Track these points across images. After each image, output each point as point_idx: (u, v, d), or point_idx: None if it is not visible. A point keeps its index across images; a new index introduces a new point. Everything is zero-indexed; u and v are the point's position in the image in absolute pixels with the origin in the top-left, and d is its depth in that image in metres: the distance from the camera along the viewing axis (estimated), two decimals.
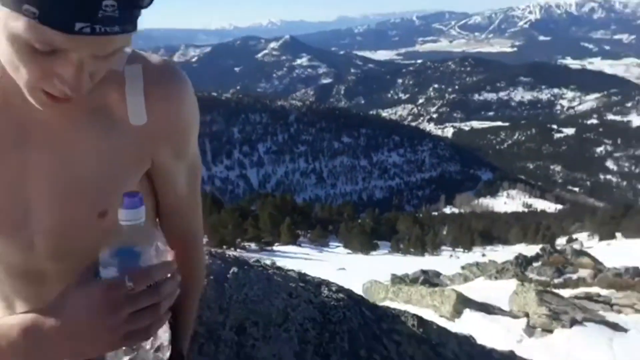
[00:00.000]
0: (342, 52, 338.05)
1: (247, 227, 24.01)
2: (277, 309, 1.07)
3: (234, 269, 1.12)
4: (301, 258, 19.30)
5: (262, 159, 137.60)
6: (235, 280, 1.09)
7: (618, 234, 28.97)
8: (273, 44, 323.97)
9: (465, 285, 7.28)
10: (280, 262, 16.85)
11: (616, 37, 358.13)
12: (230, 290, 1.06)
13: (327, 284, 1.31)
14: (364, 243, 23.89)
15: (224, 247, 20.09)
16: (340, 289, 1.39)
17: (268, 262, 11.01)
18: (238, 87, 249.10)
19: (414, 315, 1.25)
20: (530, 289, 4.64)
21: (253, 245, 22.04)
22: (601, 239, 28.80)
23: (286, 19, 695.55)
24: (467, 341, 1.17)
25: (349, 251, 24.07)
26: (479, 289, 6.57)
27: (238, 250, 20.94)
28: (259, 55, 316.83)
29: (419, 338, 1.19)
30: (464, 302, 4.95)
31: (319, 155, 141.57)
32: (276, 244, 23.20)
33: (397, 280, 11.43)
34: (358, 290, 8.07)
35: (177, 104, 0.68)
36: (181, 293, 0.61)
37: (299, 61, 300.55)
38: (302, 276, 1.40)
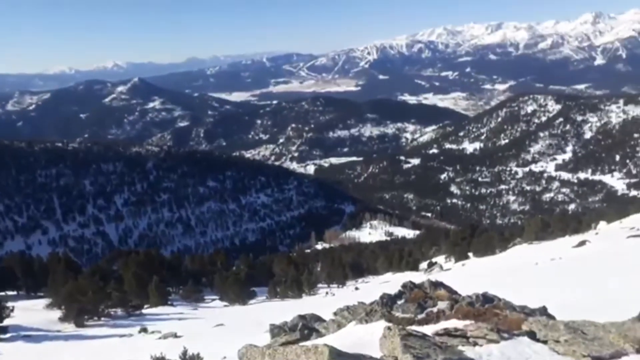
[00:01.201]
0: (196, 94, 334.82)
1: (110, 291, 22.14)
2: None
3: None
4: (175, 319, 18.36)
5: (121, 211, 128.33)
6: None
7: (470, 254, 32.47)
8: (121, 88, 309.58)
9: (339, 332, 7.58)
10: (153, 326, 15.90)
11: (443, 74, 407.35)
12: None
13: None
14: (240, 293, 23.48)
15: (86, 317, 18.26)
16: None
17: (137, 328, 10.36)
18: (86, 135, 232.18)
19: None
20: (396, 334, 4.96)
21: (119, 311, 20.33)
22: (457, 260, 31.97)
23: (133, 61, 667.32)
24: None
25: (226, 303, 23.44)
26: (352, 335, 6.93)
27: (102, 319, 19.18)
28: (107, 100, 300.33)
29: None
30: (337, 357, 5.13)
31: (184, 202, 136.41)
32: (145, 306, 21.71)
33: (276, 330, 11.47)
34: (234, 352, 7.99)
35: None
36: None
37: (151, 104, 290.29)
38: None
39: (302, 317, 11.69)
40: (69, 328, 17.36)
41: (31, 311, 19.30)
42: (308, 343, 6.63)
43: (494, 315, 6.29)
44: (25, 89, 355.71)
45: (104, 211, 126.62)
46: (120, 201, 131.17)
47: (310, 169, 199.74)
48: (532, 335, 5.12)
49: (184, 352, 9.09)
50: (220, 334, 13.50)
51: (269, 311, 17.90)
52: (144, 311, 20.85)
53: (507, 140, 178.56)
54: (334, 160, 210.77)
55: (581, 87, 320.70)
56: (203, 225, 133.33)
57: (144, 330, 15.55)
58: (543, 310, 7.36)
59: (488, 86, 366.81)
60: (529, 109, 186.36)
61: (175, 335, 13.62)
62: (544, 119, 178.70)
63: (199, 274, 30.67)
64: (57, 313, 18.66)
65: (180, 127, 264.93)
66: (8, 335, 15.22)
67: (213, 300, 24.80)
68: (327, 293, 26.01)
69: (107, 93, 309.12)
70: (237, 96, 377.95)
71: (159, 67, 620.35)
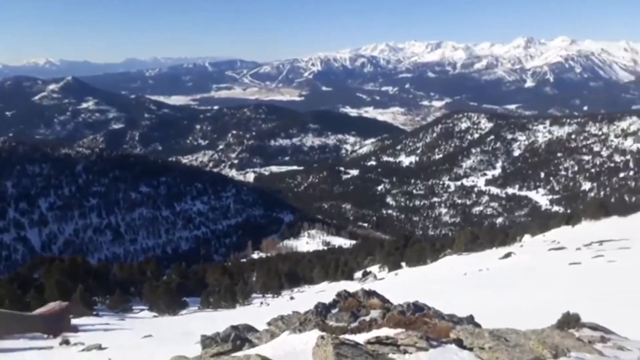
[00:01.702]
0: (133, 96, 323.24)
1: (30, 300, 20.79)
2: None
3: None
4: (100, 329, 17.44)
5: (45, 216, 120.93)
6: None
7: (403, 264, 33.22)
8: (53, 86, 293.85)
9: (272, 342, 7.49)
10: (75, 338, 15.02)
11: (383, 89, 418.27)
12: None
13: None
14: (171, 303, 22.72)
15: None
16: None
17: (58, 340, 9.71)
18: (11, 134, 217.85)
19: None
20: (329, 343, 4.96)
21: None
22: (390, 269, 32.60)
23: (67, 59, 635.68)
24: None
25: (155, 314, 22.60)
26: (285, 345, 6.86)
27: None
28: (36, 97, 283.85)
29: None
30: None
31: (114, 208, 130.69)
32: (70, 316, 20.49)
33: (207, 341, 11.17)
34: None
35: None
36: None
37: (84, 105, 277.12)
38: None
39: (234, 327, 11.45)
40: None
41: None
42: (240, 354, 6.48)
43: (424, 323, 6.44)
44: None
45: (27, 215, 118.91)
46: (45, 205, 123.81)
47: (250, 177, 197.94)
48: (459, 342, 5.29)
49: None
50: (148, 346, 12.97)
51: (201, 322, 17.41)
52: None
53: (441, 155, 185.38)
54: (275, 168, 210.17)
55: (512, 107, 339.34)
56: (133, 233, 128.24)
57: (65, 342, 14.64)
58: (470, 319, 7.64)
59: (425, 102, 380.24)
60: (463, 125, 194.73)
61: (99, 347, 12.93)
62: (476, 135, 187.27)
63: (127, 283, 29.43)
64: None
65: (115, 129, 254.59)
66: None
67: (142, 310, 23.83)
68: (261, 303, 25.75)
69: (37, 91, 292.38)
70: (176, 100, 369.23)
71: (95, 66, 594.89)
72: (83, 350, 13.04)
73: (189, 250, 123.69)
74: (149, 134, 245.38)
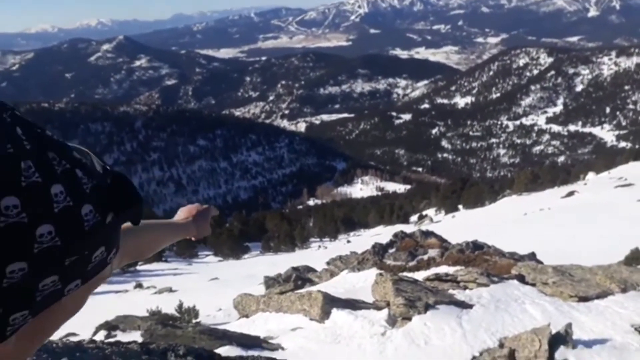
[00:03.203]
0: (183, 52, 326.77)
1: None
2: None
3: None
4: (169, 274, 18.59)
5: None
6: None
7: (460, 206, 32.80)
8: (106, 46, 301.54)
9: (332, 281, 7.71)
10: (148, 282, 16.11)
11: (435, 27, 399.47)
12: None
13: (174, 348, 1.08)
14: (234, 248, 23.74)
15: None
16: (189, 351, 1.01)
17: (133, 284, 10.40)
18: (72, 96, 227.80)
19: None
20: (388, 280, 5.05)
21: None
22: (447, 212, 32.30)
23: (117, 19, 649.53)
24: None
25: (220, 258, 23.75)
26: (345, 282, 7.06)
27: None
28: (92, 58, 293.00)
29: None
30: (330, 302, 5.23)
31: (175, 161, 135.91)
32: (139, 263, 21.92)
33: (270, 282, 11.68)
34: (229, 303, 8.09)
35: None
36: None
37: (137, 63, 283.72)
38: (145, 346, 0.99)
39: (295, 268, 11.87)
40: None
41: None
42: (302, 290, 6.75)
43: (484, 261, 6.41)
44: (7, 48, 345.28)
45: None
46: (110, 161, 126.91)
47: (302, 127, 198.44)
48: (521, 278, 5.24)
49: (180, 305, 9.23)
50: (215, 287, 13.71)
51: (263, 264, 18.13)
52: (138, 268, 21.06)
53: (498, 94, 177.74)
54: (325, 117, 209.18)
55: (574, 39, 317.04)
56: (195, 184, 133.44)
57: (139, 285, 15.75)
58: (532, 256, 7.52)
59: (480, 39, 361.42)
60: (521, 62, 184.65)
61: (170, 290, 13.80)
62: (535, 72, 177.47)
63: None
64: None
65: (168, 85, 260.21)
66: None
67: (207, 255, 25.08)
68: (319, 246, 26.38)
69: (92, 52, 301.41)
70: (225, 52, 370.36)
71: (145, 24, 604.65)
72: (155, 292, 14.00)
73: (248, 199, 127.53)
74: (201, 89, 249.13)
